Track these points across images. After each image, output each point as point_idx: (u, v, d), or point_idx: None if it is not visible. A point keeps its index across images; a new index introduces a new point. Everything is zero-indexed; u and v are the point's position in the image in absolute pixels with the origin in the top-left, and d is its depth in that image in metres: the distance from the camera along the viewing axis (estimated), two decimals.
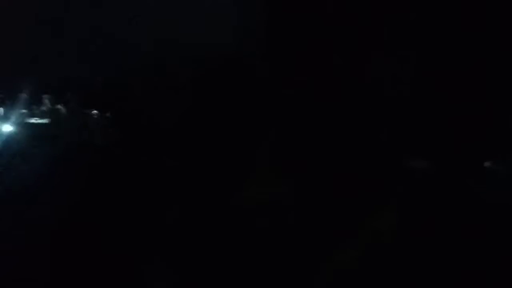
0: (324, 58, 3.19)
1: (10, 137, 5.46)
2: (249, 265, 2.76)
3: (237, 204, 3.02)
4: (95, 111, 5.34)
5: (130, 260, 4.04)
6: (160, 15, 4.67)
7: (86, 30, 4.71)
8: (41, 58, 5.00)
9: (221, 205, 3.12)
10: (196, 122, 4.57)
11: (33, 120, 5.50)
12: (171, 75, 4.73)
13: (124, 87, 4.92)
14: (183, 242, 3.17)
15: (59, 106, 5.47)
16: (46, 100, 5.48)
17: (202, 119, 4.52)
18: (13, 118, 5.42)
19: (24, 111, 5.49)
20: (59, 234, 4.55)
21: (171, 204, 3.99)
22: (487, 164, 3.61)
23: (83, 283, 4.24)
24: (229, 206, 3.09)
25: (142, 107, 5.01)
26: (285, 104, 2.97)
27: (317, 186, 3.06)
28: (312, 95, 3.11)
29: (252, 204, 2.94)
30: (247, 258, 2.79)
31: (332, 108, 3.17)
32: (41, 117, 5.49)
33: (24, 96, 5.40)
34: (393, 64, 3.07)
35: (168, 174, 4.39)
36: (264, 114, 3.85)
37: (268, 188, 2.99)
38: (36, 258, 4.39)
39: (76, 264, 4.30)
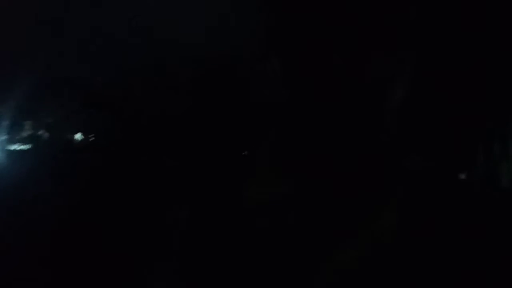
0: (325, 58, 3.21)
1: None
2: (249, 265, 2.76)
3: (238, 204, 3.02)
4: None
5: (130, 260, 4.04)
6: (160, 15, 4.67)
7: (86, 30, 4.72)
8: (40, 58, 5.00)
9: (222, 205, 3.12)
10: (196, 122, 4.58)
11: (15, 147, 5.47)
12: (171, 75, 4.74)
13: (124, 87, 4.92)
14: (183, 242, 3.16)
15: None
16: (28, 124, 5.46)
17: (203, 119, 4.52)
18: None
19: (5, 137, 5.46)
20: (60, 236, 4.55)
21: (171, 204, 3.99)
22: (488, 164, 3.60)
23: (84, 284, 4.24)
24: (229, 206, 3.09)
25: (142, 107, 5.02)
26: (286, 104, 2.97)
27: (318, 186, 3.06)
28: (312, 94, 3.12)
29: (252, 204, 2.93)
30: (247, 258, 2.78)
31: (332, 108, 3.18)
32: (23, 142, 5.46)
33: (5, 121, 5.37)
34: (394, 64, 3.08)
35: (168, 174, 4.40)
36: (265, 113, 3.85)
37: (268, 188, 2.99)
38: (38, 260, 4.39)
39: (77, 265, 4.30)
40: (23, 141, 5.31)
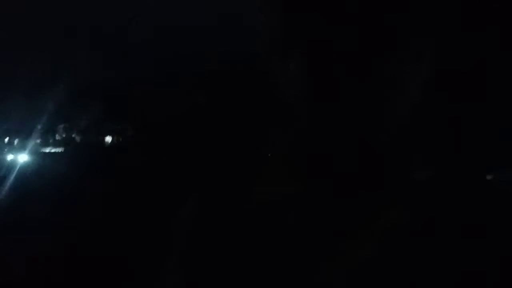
0: (335, 60, 3.15)
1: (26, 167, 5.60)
2: (255, 266, 2.79)
3: (243, 205, 3.05)
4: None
5: (135, 261, 4.07)
6: (164, 15, 4.68)
7: (86, 30, 4.77)
8: (41, 59, 5.09)
9: (227, 206, 3.15)
10: (203, 122, 4.60)
11: (48, 150, 5.63)
12: (177, 75, 4.77)
13: (130, 87, 4.99)
14: (188, 244, 3.21)
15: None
16: (60, 129, 5.63)
17: (210, 120, 4.55)
18: (28, 147, 5.54)
19: (38, 140, 5.61)
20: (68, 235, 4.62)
21: (176, 205, 4.07)
22: (492, 168, 3.57)
23: (85, 284, 4.28)
24: (235, 207, 3.12)
25: (147, 107, 5.06)
26: (292, 104, 2.97)
27: (329, 187, 3.05)
28: (321, 96, 3.07)
29: (257, 205, 2.95)
30: (253, 259, 2.81)
31: (342, 110, 3.12)
32: (56, 146, 5.61)
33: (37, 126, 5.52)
34: (414, 61, 3.03)
35: (173, 174, 4.44)
36: (271, 114, 3.89)
37: (273, 188, 3.00)
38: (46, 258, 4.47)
39: (78, 264, 4.35)
40: (57, 143, 5.54)
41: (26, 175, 5.38)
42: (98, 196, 5.04)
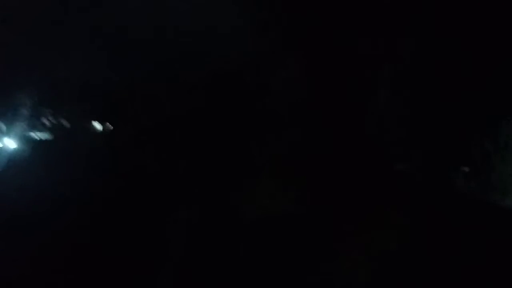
0: (332, 61, 3.14)
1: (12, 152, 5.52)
2: (251, 274, 2.74)
3: (240, 211, 2.99)
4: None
5: (131, 265, 4.03)
6: (178, 19, 4.59)
7: (86, 30, 4.69)
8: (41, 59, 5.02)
9: (224, 213, 3.10)
10: (200, 125, 4.52)
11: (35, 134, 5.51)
12: (176, 77, 4.69)
13: (127, 88, 4.91)
14: (184, 250, 3.16)
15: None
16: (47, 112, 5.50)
17: (206, 123, 4.46)
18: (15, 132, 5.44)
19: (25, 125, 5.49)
20: (61, 236, 4.60)
21: (172, 210, 3.97)
22: (485, 168, 3.47)
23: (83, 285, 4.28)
24: (232, 213, 3.06)
25: (144, 109, 5.00)
26: (290, 108, 2.92)
27: (322, 193, 3.02)
28: (318, 97, 3.07)
29: (255, 211, 2.90)
30: (250, 266, 2.76)
31: (338, 110, 3.11)
32: (42, 130, 5.50)
33: (24, 110, 5.42)
34: (402, 65, 3.00)
35: (170, 178, 4.36)
36: (269, 118, 3.78)
37: (272, 195, 2.95)
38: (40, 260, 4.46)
39: (77, 266, 4.35)
40: (43, 128, 5.38)
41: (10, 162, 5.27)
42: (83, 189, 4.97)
